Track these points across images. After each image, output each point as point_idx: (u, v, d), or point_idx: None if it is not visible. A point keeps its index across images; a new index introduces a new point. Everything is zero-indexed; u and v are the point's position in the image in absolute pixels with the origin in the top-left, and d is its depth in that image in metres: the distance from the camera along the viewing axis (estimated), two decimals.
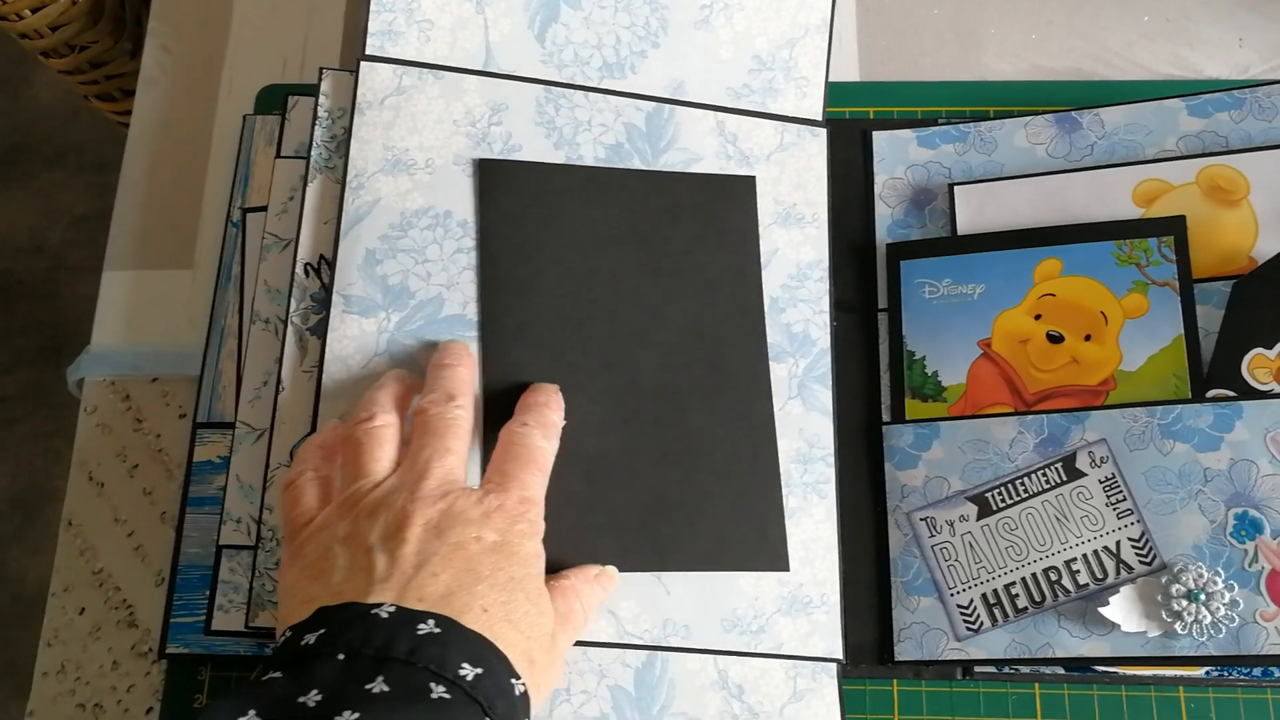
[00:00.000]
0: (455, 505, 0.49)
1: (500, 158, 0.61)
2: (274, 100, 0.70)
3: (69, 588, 0.62)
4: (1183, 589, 0.55)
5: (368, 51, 0.62)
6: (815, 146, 0.65)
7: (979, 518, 0.58)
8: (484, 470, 0.54)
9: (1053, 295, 0.61)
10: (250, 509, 0.59)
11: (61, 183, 1.67)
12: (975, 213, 0.64)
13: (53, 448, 1.55)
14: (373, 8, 0.62)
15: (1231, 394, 0.57)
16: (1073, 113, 0.65)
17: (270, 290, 0.62)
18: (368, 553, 0.47)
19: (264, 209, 0.65)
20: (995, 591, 0.57)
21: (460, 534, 0.48)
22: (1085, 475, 0.58)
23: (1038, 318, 0.61)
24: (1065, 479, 0.58)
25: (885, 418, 0.61)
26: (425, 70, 0.62)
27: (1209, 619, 0.54)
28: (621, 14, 0.64)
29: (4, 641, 1.48)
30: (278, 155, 0.65)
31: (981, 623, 0.57)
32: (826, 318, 0.63)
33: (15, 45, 0.77)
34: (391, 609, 0.45)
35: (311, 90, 0.64)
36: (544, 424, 0.54)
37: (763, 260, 0.63)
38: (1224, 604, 0.54)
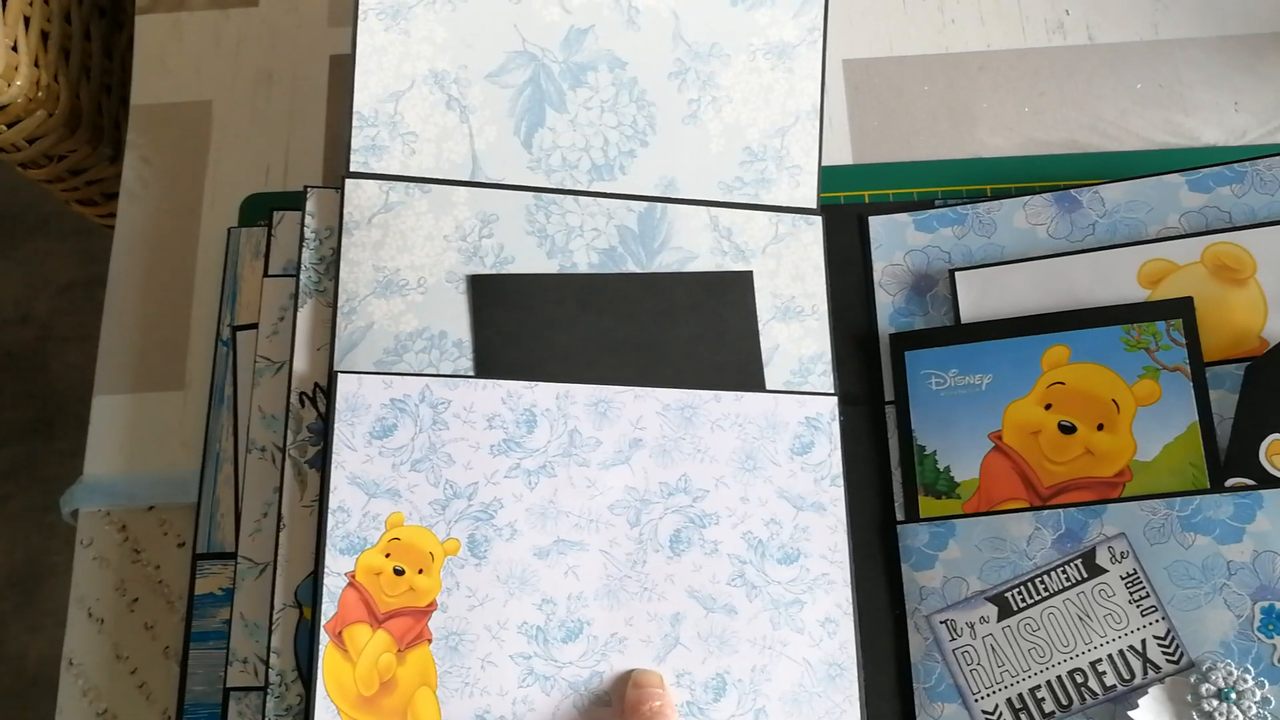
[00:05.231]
0: None
1: (492, 272, 0.60)
2: (258, 210, 0.69)
3: None
4: (1213, 688, 0.54)
5: (352, 168, 0.60)
6: (811, 235, 0.64)
7: (1000, 619, 0.57)
8: None
9: (1062, 384, 0.60)
10: (256, 648, 0.57)
11: (46, 251, 1.65)
12: (978, 298, 0.63)
13: (47, 522, 1.53)
14: (355, 123, 0.61)
15: (1251, 483, 0.56)
16: (1072, 191, 0.64)
17: (265, 416, 0.61)
18: None
19: (254, 326, 0.64)
20: (1021, 696, 0.56)
21: None
22: (1106, 571, 0.56)
23: (1048, 407, 0.60)
24: (1086, 576, 0.57)
25: (899, 516, 0.60)
26: (412, 185, 0.61)
27: (1241, 719, 0.53)
28: (608, 114, 0.63)
29: None
30: (265, 274, 0.64)
31: None
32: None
33: None
34: None
35: (296, 200, 0.63)
36: None
37: (764, 357, 0.62)
38: (1255, 702, 0.53)
